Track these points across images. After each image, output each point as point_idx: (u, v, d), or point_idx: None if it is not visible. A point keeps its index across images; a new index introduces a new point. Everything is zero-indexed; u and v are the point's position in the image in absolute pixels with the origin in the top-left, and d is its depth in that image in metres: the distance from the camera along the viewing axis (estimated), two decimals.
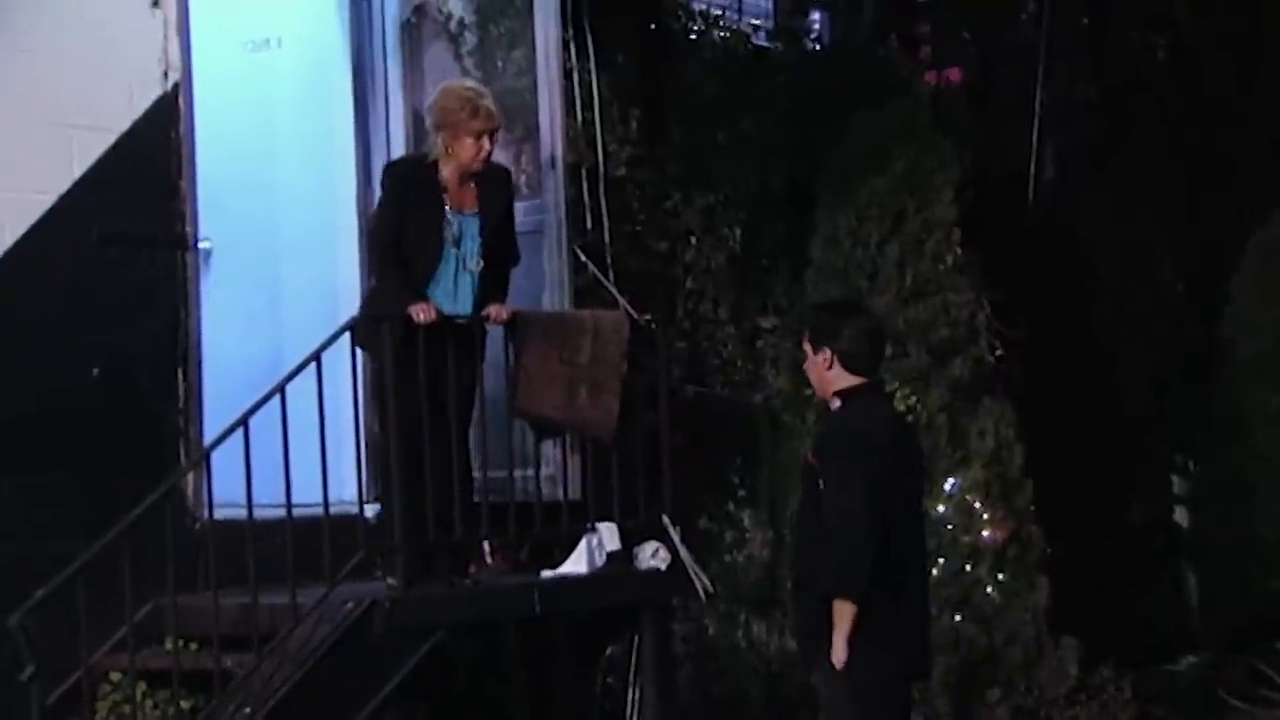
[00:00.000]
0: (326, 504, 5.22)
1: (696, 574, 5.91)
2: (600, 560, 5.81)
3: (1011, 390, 6.89)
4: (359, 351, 5.42)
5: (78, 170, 5.49)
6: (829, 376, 4.66)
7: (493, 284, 5.60)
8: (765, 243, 7.25)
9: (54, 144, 5.43)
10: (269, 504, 5.11)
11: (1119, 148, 8.37)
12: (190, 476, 5.48)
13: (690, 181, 7.07)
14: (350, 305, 5.73)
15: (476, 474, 5.56)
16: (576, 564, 5.78)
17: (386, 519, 5.42)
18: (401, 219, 5.47)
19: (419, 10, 6.42)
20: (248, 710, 4.84)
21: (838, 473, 4.51)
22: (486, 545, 5.81)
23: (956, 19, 8.37)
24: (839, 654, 4.46)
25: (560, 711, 6.23)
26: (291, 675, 4.93)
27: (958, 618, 6.50)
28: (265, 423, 5.06)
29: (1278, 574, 7.47)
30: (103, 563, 4.82)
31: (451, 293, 5.50)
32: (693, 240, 7.07)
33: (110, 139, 5.55)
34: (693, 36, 7.36)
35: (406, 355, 5.30)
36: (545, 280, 6.11)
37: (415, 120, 6.36)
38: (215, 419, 5.46)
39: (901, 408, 6.51)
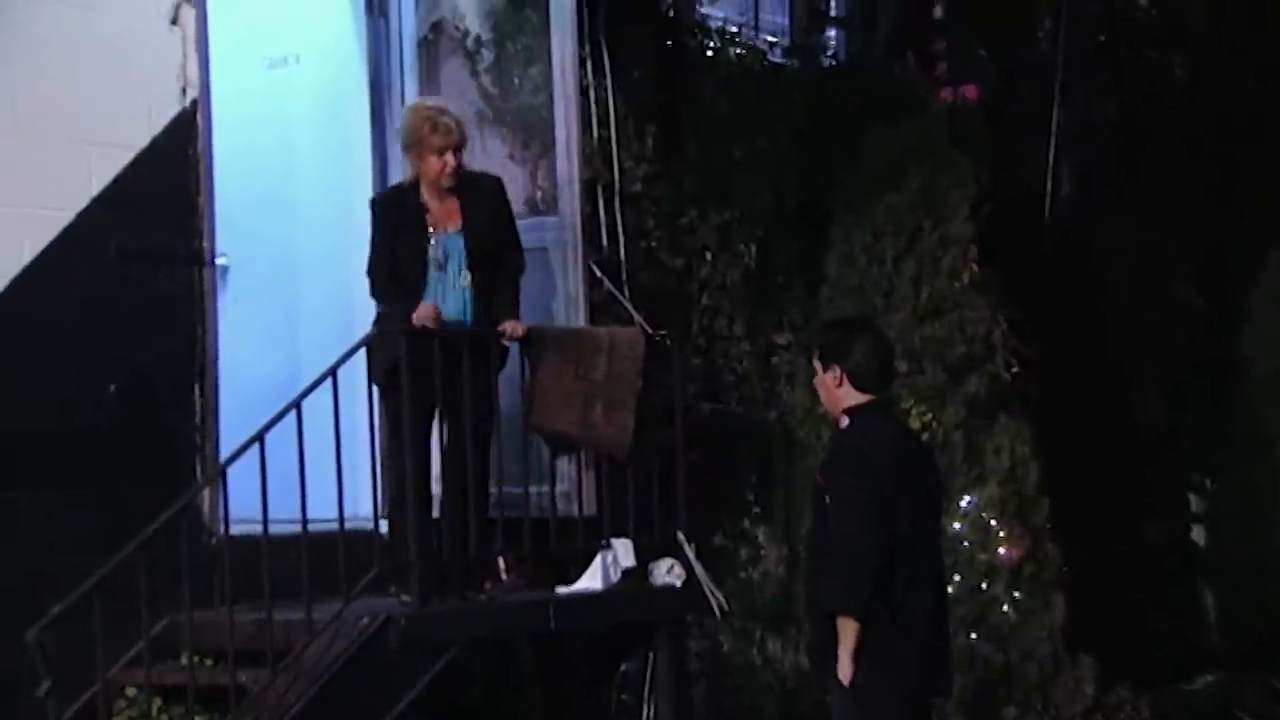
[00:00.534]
0: (342, 520, 5.22)
1: (711, 591, 5.90)
2: (615, 577, 5.80)
3: (1027, 407, 6.87)
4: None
5: (96, 187, 5.51)
6: (838, 394, 4.67)
7: (496, 294, 5.59)
8: (781, 259, 7.25)
9: (73, 161, 5.46)
10: (285, 519, 5.12)
11: (1136, 165, 8.36)
12: (206, 492, 5.49)
13: (706, 198, 7.07)
14: (366, 322, 5.75)
15: (493, 489, 5.56)
16: (592, 580, 5.78)
17: (395, 535, 5.42)
18: (391, 247, 5.57)
19: (436, 27, 6.44)
20: None
21: (842, 491, 4.53)
22: (501, 561, 5.81)
23: (973, 36, 8.36)
24: (844, 670, 4.48)
25: None
26: (306, 691, 4.94)
27: (973, 636, 6.48)
28: (281, 438, 5.07)
29: None
30: (119, 578, 4.83)
31: (442, 310, 5.52)
32: (708, 256, 7.07)
33: (129, 156, 5.58)
34: (709, 53, 7.37)
35: (417, 370, 5.32)
36: (561, 296, 6.12)
37: None
38: (231, 434, 5.47)
39: (917, 425, 6.50)
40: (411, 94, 6.40)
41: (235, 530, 5.43)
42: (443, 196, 5.58)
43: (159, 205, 5.66)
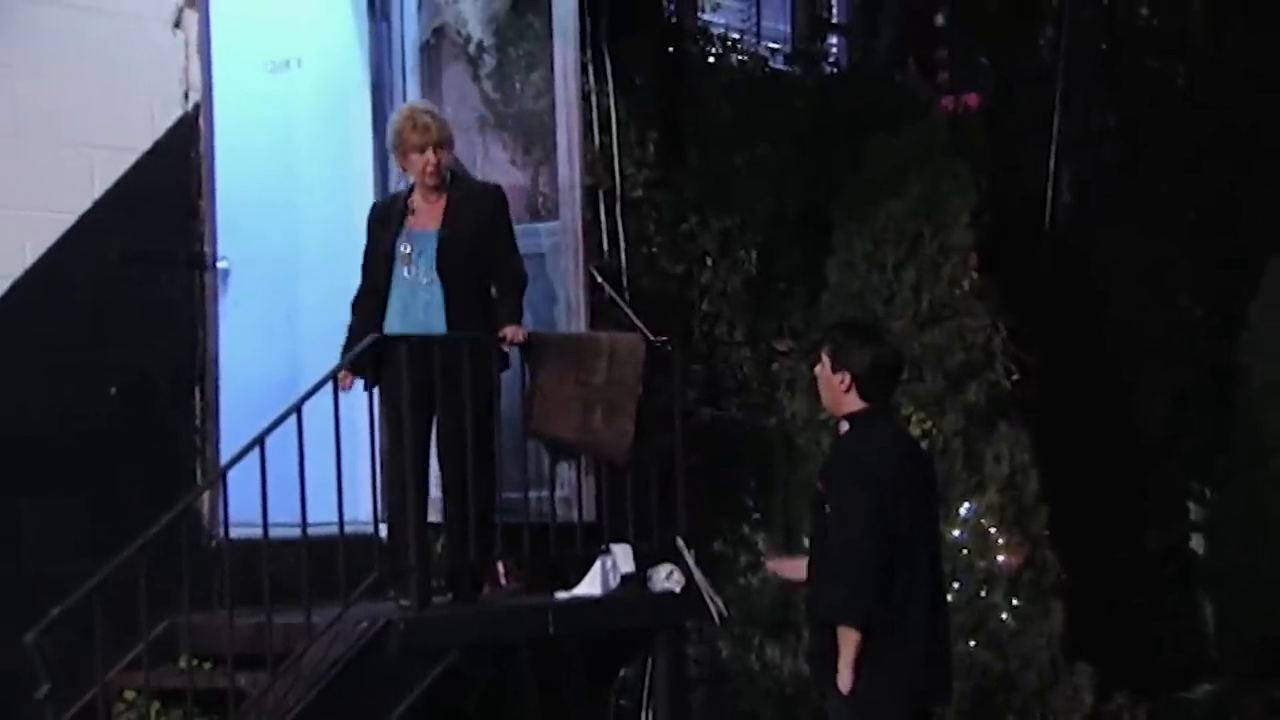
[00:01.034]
0: (342, 523, 5.22)
1: (711, 597, 5.90)
2: (614, 582, 5.80)
3: (1027, 415, 6.87)
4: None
5: (98, 190, 5.51)
6: (843, 398, 4.67)
7: (498, 300, 5.57)
8: (781, 266, 7.25)
9: (75, 163, 5.46)
10: (284, 523, 5.12)
11: (1136, 173, 8.36)
12: (206, 495, 5.49)
13: (707, 204, 7.08)
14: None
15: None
16: (591, 586, 5.78)
17: (393, 539, 5.42)
18: (374, 255, 5.63)
19: (438, 32, 6.45)
20: None
21: (843, 499, 4.52)
22: (501, 566, 5.81)
23: (974, 44, 8.37)
24: (844, 679, 4.48)
25: None
26: (305, 695, 4.93)
27: (972, 643, 6.47)
28: (281, 442, 5.07)
29: None
30: (118, 581, 4.83)
31: (401, 311, 5.54)
32: (709, 262, 7.08)
33: (131, 159, 5.58)
34: (710, 60, 7.38)
35: (388, 379, 5.36)
36: (561, 302, 6.12)
37: None
38: (232, 438, 5.47)
39: (916, 432, 6.49)
40: (413, 98, 6.39)
41: (235, 533, 5.44)
42: (431, 198, 5.60)
43: (161, 208, 5.66)
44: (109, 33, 5.55)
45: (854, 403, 4.65)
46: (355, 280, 6.13)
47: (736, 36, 7.62)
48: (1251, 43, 8.47)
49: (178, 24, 5.70)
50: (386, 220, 5.67)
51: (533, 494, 5.74)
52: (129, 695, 5.12)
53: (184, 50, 5.71)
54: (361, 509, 5.51)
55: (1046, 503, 6.76)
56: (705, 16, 7.49)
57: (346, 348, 5.49)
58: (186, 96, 5.72)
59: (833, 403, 4.73)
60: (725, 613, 5.99)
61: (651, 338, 5.99)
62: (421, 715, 5.24)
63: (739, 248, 7.14)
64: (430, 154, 5.53)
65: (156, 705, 5.06)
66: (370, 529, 5.44)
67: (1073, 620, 6.66)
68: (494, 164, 6.34)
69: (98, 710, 4.98)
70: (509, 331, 5.57)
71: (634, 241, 6.69)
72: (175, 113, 5.69)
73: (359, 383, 5.43)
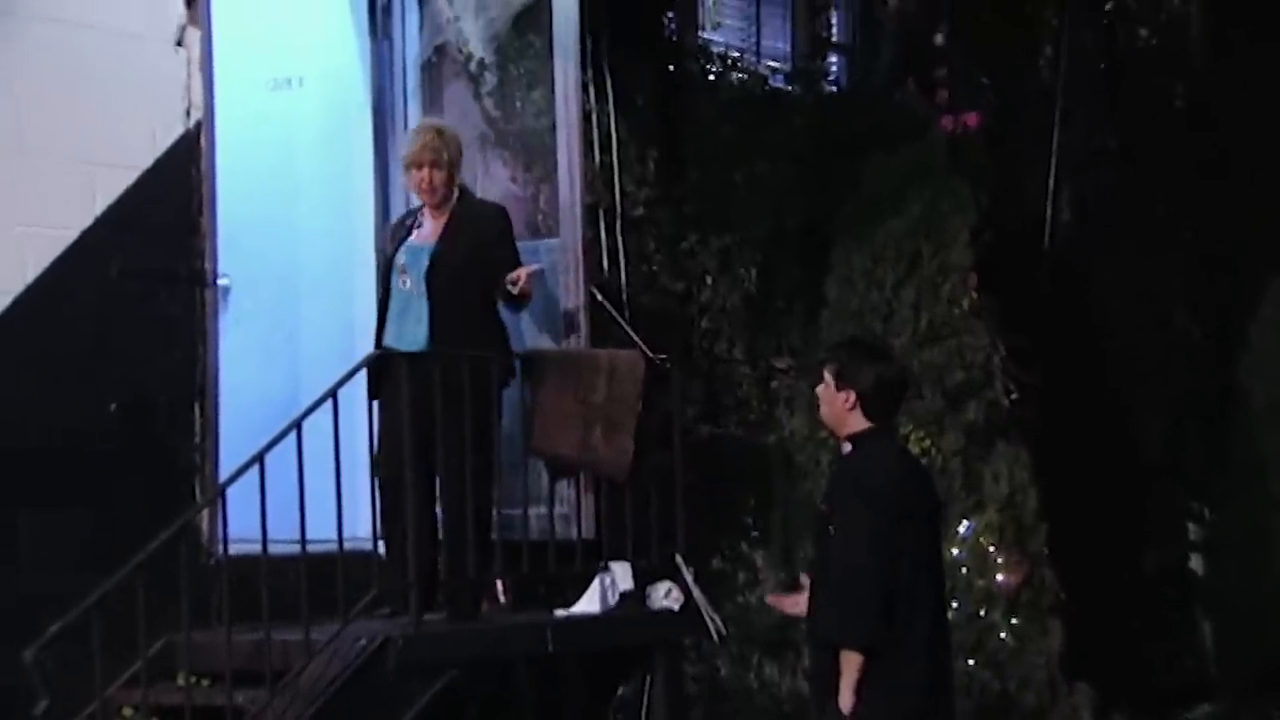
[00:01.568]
0: (341, 540, 5.22)
1: (709, 615, 5.89)
2: (613, 600, 5.79)
3: (1026, 434, 6.87)
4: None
5: (100, 207, 5.52)
6: (847, 416, 4.65)
7: (455, 318, 5.55)
8: (781, 284, 7.26)
9: (77, 181, 5.46)
10: (284, 540, 5.12)
11: (1135, 193, 8.38)
12: (205, 512, 5.49)
13: (707, 222, 7.09)
14: (367, 343, 5.75)
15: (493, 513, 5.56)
16: (590, 603, 5.78)
17: (389, 556, 5.42)
18: (383, 266, 5.76)
19: (440, 51, 6.47)
20: None
21: (844, 522, 4.50)
22: (500, 584, 5.81)
23: (974, 63, 8.39)
24: (845, 701, 4.45)
25: None
26: (304, 712, 4.92)
27: (971, 662, 6.47)
28: (281, 459, 5.07)
29: None
30: (117, 597, 4.82)
31: (396, 321, 5.59)
32: (709, 280, 7.09)
33: (132, 176, 5.58)
34: (711, 79, 7.41)
35: (386, 394, 5.42)
36: (561, 319, 6.13)
37: None
38: (231, 454, 5.47)
39: (915, 451, 6.49)
40: (414, 117, 6.42)
41: (234, 550, 5.42)
42: (435, 214, 5.65)
43: (162, 225, 5.66)
44: (111, 50, 5.56)
45: (858, 422, 4.63)
46: (356, 296, 6.15)
47: (737, 55, 7.65)
48: (1251, 63, 8.49)
49: (180, 42, 5.72)
50: (396, 232, 5.77)
51: (532, 511, 5.73)
52: (127, 712, 5.10)
53: (186, 68, 5.72)
54: (361, 526, 5.51)
55: (1045, 522, 6.75)
56: (706, 35, 7.51)
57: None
58: (188, 114, 5.72)
59: (835, 422, 4.70)
60: (724, 631, 5.98)
61: (651, 355, 5.99)
62: None
63: (738, 265, 7.15)
64: (424, 171, 5.58)
65: None
66: (369, 545, 5.43)
67: (1072, 639, 6.66)
68: (494, 181, 6.35)
69: None
70: (518, 272, 5.48)
71: (634, 259, 6.70)
72: (177, 130, 5.69)
73: (362, 399, 5.44)
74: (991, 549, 6.61)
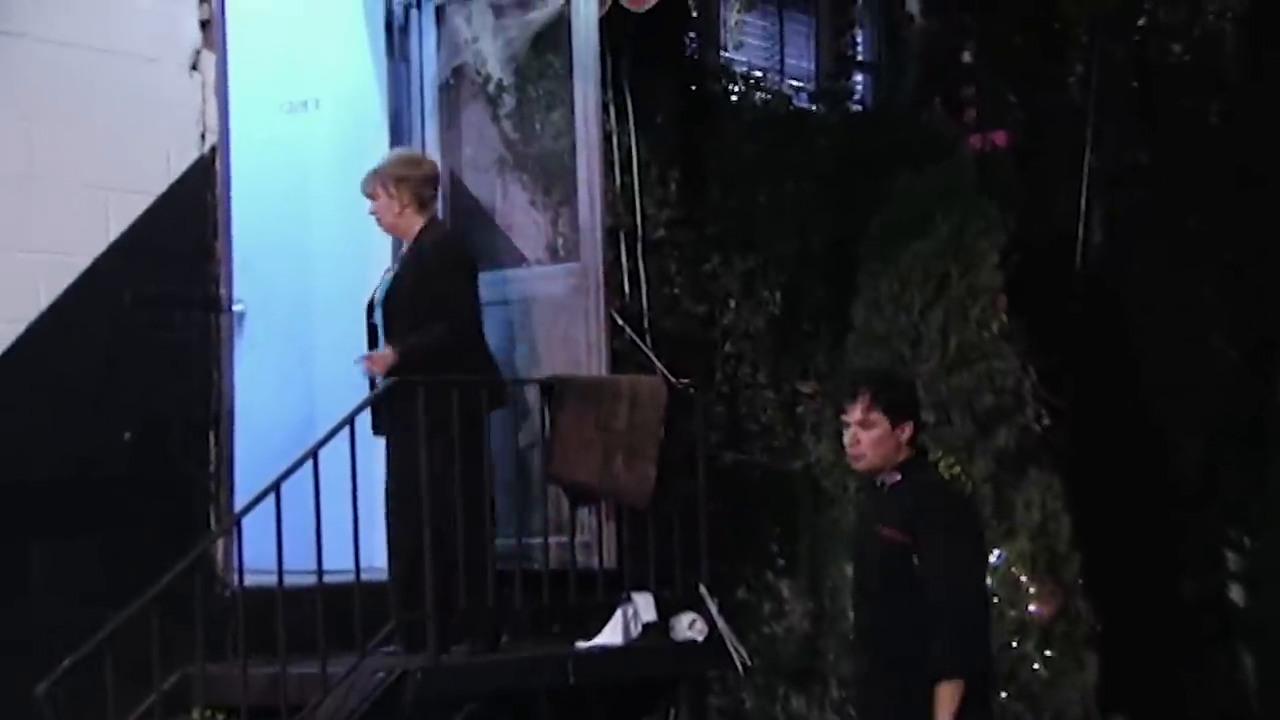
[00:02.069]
0: (358, 571, 5.14)
1: (734, 646, 5.81)
2: (636, 631, 5.72)
3: (1059, 460, 6.75)
4: None
5: (114, 233, 5.48)
6: (902, 449, 4.52)
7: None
8: (806, 307, 7.16)
9: (90, 206, 5.43)
10: (300, 570, 5.04)
11: (1169, 212, 8.25)
12: (220, 542, 5.42)
13: (730, 244, 7.00)
14: None
15: (508, 541, 5.46)
16: (612, 635, 5.69)
17: (399, 588, 5.33)
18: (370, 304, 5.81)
19: (457, 72, 6.41)
20: None
21: (943, 548, 4.36)
22: None
23: (1002, 82, 8.29)
24: None
25: None
26: None
27: (1004, 695, 6.34)
28: (297, 487, 4.99)
29: None
30: (131, 630, 4.77)
31: (379, 348, 5.60)
32: (732, 304, 6.99)
33: (147, 201, 5.55)
34: (734, 98, 7.32)
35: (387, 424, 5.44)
36: (582, 344, 6.04)
37: (452, 182, 6.33)
38: (246, 483, 5.41)
39: (945, 478, 6.37)
40: (432, 139, 6.37)
41: (250, 581, 5.35)
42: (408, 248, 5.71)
43: (176, 251, 5.63)
44: (125, 75, 5.52)
45: (906, 451, 4.54)
46: None
47: (760, 74, 7.56)
48: None
49: (195, 66, 5.68)
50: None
51: (552, 540, 5.65)
52: None
53: (200, 92, 5.68)
54: (378, 556, 5.44)
55: (1079, 550, 6.62)
56: (728, 54, 7.43)
57: None
58: (203, 138, 5.69)
59: (888, 456, 4.52)
60: (749, 662, 5.91)
61: (673, 380, 5.93)
62: None
63: (762, 288, 7.05)
64: (370, 204, 5.68)
65: None
66: (386, 576, 5.35)
67: (1107, 672, 6.52)
68: (513, 205, 6.29)
69: None
70: (373, 354, 5.51)
71: (655, 282, 6.61)
72: (191, 155, 5.66)
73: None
74: (1024, 578, 6.47)
